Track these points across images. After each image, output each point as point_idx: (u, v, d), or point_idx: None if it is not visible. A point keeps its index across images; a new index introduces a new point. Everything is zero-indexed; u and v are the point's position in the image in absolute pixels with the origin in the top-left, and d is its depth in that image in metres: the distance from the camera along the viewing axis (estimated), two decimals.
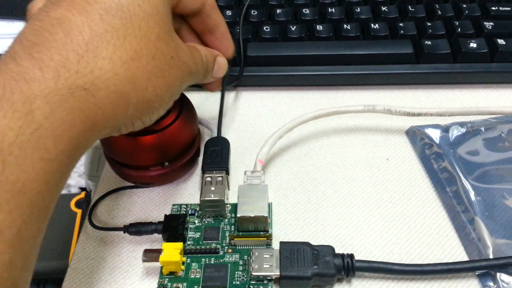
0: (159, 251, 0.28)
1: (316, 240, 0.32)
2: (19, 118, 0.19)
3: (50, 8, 0.23)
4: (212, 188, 0.31)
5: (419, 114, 0.36)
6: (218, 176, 0.32)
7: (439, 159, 0.36)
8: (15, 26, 0.46)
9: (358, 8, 0.45)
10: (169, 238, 0.30)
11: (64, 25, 0.22)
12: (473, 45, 0.41)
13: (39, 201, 0.20)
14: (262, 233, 0.31)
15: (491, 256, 0.30)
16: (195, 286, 0.29)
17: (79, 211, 0.33)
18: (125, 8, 0.24)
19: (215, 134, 0.37)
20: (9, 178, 0.19)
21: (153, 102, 0.26)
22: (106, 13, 0.23)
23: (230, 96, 0.42)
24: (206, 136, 0.38)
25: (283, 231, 0.32)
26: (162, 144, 0.31)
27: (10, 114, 0.19)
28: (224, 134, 0.38)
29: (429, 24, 0.43)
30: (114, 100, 0.23)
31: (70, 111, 0.21)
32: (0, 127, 0.19)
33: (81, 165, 0.50)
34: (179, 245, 0.29)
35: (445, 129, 0.37)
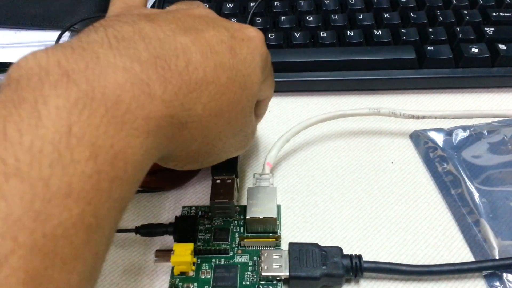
0: (170, 252, 0.29)
1: (324, 242, 0.32)
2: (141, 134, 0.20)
3: (178, 29, 0.24)
4: (222, 191, 0.32)
5: (423, 117, 0.37)
6: (228, 179, 0.32)
7: (443, 162, 0.36)
8: (22, 36, 0.47)
9: (361, 15, 0.45)
10: (179, 239, 0.30)
11: (185, 57, 0.22)
12: (474, 50, 0.42)
13: (133, 176, 0.20)
14: (271, 234, 0.31)
15: (497, 257, 0.30)
16: (205, 286, 0.29)
17: None
18: (234, 71, 0.25)
19: None
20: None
21: (205, 156, 0.27)
22: (220, 67, 0.24)
23: None
24: None
25: (291, 233, 0.33)
26: None
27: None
28: None
29: (431, 30, 0.44)
30: (187, 141, 0.24)
31: (165, 135, 0.21)
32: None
33: None
34: (190, 245, 0.29)
35: (449, 133, 0.38)
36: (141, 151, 0.19)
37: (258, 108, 0.32)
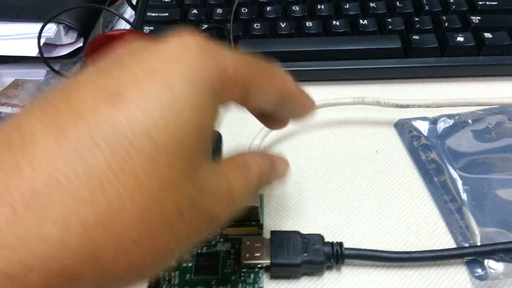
0: None
1: (306, 230, 0.32)
2: None
3: (30, 109, 0.16)
4: None
5: (407, 106, 0.37)
6: None
7: (427, 151, 0.36)
8: (9, 28, 0.46)
9: (347, 5, 0.45)
10: None
11: (20, 152, 0.15)
12: (460, 39, 0.42)
13: None
14: (253, 223, 0.31)
15: (479, 244, 0.30)
16: (187, 275, 0.29)
17: None
18: (124, 137, 0.16)
19: None
20: None
21: (123, 279, 0.17)
22: (91, 143, 0.15)
23: None
24: None
25: (274, 221, 0.33)
26: None
27: None
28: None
29: (416, 19, 0.43)
30: (54, 282, 0.15)
31: None
32: None
33: None
34: None
35: (433, 122, 0.38)
36: None
37: (285, 109, 0.24)
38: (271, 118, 0.27)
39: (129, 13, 0.52)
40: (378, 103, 0.37)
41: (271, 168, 0.24)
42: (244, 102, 0.21)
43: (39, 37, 0.42)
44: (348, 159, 0.37)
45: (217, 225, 0.20)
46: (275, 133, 0.38)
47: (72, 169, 0.15)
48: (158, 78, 0.17)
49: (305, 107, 0.25)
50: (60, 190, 0.15)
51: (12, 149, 0.15)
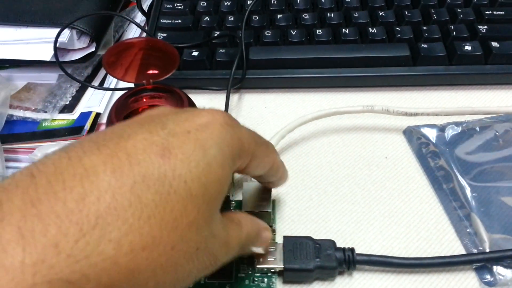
0: None
1: (317, 235, 0.33)
2: None
3: (87, 148, 0.19)
4: None
5: (416, 114, 0.38)
6: None
7: (436, 158, 0.37)
8: (23, 33, 0.47)
9: (356, 13, 0.46)
10: None
11: (87, 182, 0.18)
12: (468, 48, 0.42)
13: None
14: None
15: (487, 250, 0.31)
16: (201, 279, 0.29)
17: None
18: (167, 181, 0.19)
19: None
20: None
21: None
22: (142, 182, 0.19)
23: (233, 98, 0.44)
24: None
25: (286, 226, 0.34)
26: None
27: None
28: None
29: (425, 28, 0.44)
30: None
31: None
32: None
33: None
34: None
35: (441, 129, 0.39)
36: None
37: (268, 176, 0.29)
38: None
39: (139, 18, 0.53)
40: (387, 111, 0.37)
41: (256, 234, 0.27)
42: (246, 168, 0.26)
43: (55, 42, 0.43)
44: (358, 165, 0.37)
45: (217, 267, 0.23)
46: (287, 140, 0.39)
47: (127, 201, 0.18)
48: (193, 139, 0.21)
49: (284, 177, 0.31)
50: (116, 217, 0.18)
51: (80, 179, 0.18)
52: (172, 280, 0.20)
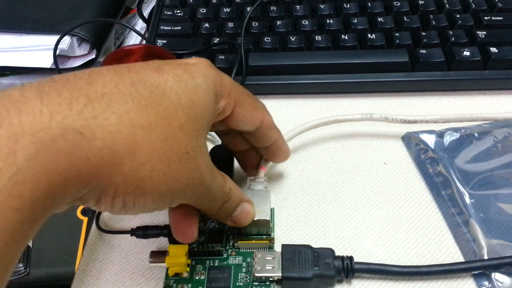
0: (165, 253, 0.30)
1: (316, 241, 0.33)
2: (0, 160, 0.17)
3: (93, 69, 0.23)
4: None
5: (414, 121, 0.38)
6: None
7: (434, 164, 0.37)
8: (23, 40, 0.47)
9: (355, 19, 0.46)
10: (174, 241, 0.31)
11: (94, 76, 0.21)
12: (466, 53, 0.42)
13: (3, 253, 0.18)
14: (264, 236, 0.32)
15: (485, 257, 0.31)
16: (199, 287, 0.30)
17: (85, 219, 0.34)
18: (161, 87, 0.23)
19: (219, 142, 0.38)
20: None
21: (145, 183, 0.22)
22: (140, 82, 0.22)
23: None
24: (210, 144, 0.39)
25: (284, 233, 0.34)
26: None
27: None
28: None
29: (423, 33, 0.44)
30: (106, 157, 0.20)
31: (56, 155, 0.19)
32: None
33: None
34: (185, 247, 0.30)
35: (440, 135, 0.39)
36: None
37: (260, 137, 0.31)
38: (249, 155, 0.34)
39: (140, 25, 0.53)
40: (386, 119, 0.38)
41: (239, 200, 0.30)
42: (232, 116, 0.28)
43: (55, 49, 0.43)
44: (357, 170, 0.37)
45: (202, 191, 0.25)
46: None
47: (128, 90, 0.22)
48: (183, 68, 0.25)
49: (283, 150, 0.33)
50: (119, 98, 0.21)
51: (88, 73, 0.22)
52: (166, 173, 0.22)
